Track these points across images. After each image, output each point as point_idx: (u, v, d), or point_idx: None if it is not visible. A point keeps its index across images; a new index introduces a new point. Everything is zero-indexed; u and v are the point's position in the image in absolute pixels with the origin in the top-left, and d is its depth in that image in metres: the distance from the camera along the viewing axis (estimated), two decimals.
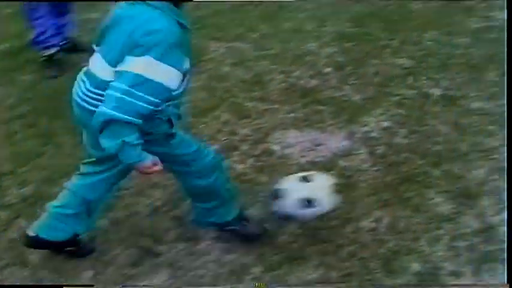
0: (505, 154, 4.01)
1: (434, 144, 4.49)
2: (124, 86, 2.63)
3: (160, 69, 2.63)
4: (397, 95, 5.15)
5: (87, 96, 2.89)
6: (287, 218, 3.71)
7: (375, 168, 4.30)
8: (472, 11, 6.84)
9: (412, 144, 4.52)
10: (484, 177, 4.11)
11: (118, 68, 2.69)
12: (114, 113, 2.63)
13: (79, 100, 2.95)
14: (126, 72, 2.64)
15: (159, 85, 2.66)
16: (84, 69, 3.02)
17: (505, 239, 3.46)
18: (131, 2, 2.78)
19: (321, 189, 3.61)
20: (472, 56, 5.71)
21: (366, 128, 4.73)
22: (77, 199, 3.39)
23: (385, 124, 4.78)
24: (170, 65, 2.65)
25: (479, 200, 3.92)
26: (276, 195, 3.64)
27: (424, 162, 4.30)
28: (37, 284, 3.54)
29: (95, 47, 2.95)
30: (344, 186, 4.02)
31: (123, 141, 2.70)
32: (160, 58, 2.61)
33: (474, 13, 6.80)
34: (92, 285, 3.48)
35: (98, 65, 2.86)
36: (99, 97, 2.78)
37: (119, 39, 2.71)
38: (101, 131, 2.69)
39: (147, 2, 2.72)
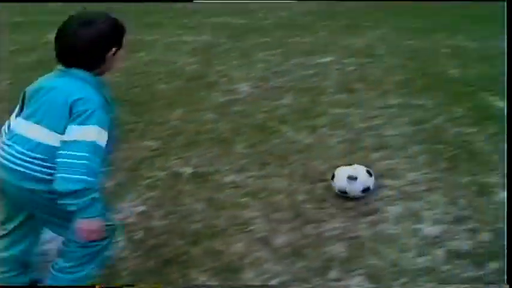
0: (505, 153, 4.04)
1: (191, 223, 4.38)
2: (85, 154, 2.83)
3: (103, 134, 2.90)
4: (149, 177, 5.01)
5: (20, 159, 2.94)
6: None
7: (136, 254, 4.09)
8: (214, 86, 6.98)
9: (170, 225, 4.37)
10: (244, 250, 4.07)
11: (68, 137, 2.85)
12: (86, 178, 2.81)
13: (7, 162, 2.97)
14: (81, 141, 2.84)
15: (103, 147, 2.91)
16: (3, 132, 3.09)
17: (505, 239, 3.39)
18: (58, 72, 3.02)
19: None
20: (219, 130, 5.76)
21: (120, 215, 4.52)
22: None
23: (141, 208, 4.60)
24: (105, 128, 2.91)
25: (243, 273, 3.85)
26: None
27: (183, 242, 4.17)
28: (37, 284, 3.56)
29: (17, 112, 3.08)
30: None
31: (93, 198, 2.86)
32: (101, 124, 2.89)
33: (217, 88, 6.94)
34: (93, 286, 3.42)
35: (27, 129, 2.97)
36: (36, 160, 2.91)
37: (53, 107, 2.91)
38: (66, 194, 2.82)
39: (71, 73, 2.97)
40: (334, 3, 12.77)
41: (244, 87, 7.01)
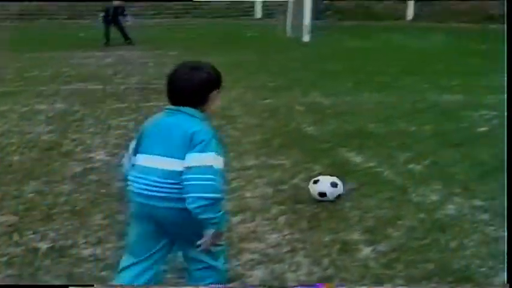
0: (505, 154, 4.08)
1: None
2: (210, 176, 3.36)
3: (219, 159, 3.42)
4: (4, 254, 4.87)
5: (156, 186, 3.47)
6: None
7: None
8: (70, 155, 6.92)
9: None
10: None
11: (190, 163, 3.38)
12: (215, 195, 3.36)
13: (147, 192, 3.49)
14: (203, 166, 3.37)
15: (220, 170, 3.43)
16: (133, 168, 3.60)
17: (505, 239, 3.35)
18: (169, 111, 3.56)
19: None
20: (75, 201, 5.69)
21: None
22: None
23: None
24: (220, 154, 3.44)
25: None
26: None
27: None
28: (38, 284, 3.72)
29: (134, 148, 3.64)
30: None
31: (223, 212, 3.45)
32: (217, 151, 3.41)
33: (73, 157, 6.89)
34: (92, 285, 3.69)
35: (153, 161, 3.52)
36: (169, 184, 3.44)
37: (173, 140, 3.46)
38: (201, 212, 3.35)
39: (182, 110, 3.52)
40: None
41: (100, 156, 6.99)
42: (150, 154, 3.57)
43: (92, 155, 7.01)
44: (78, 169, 6.52)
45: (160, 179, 3.48)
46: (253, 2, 27.11)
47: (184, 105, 3.56)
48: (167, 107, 3.60)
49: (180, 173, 3.43)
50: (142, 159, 3.60)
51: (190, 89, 3.58)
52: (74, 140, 7.63)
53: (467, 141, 7.72)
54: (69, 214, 5.46)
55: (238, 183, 6.14)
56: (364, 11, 30.10)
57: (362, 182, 6.13)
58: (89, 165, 6.62)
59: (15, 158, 6.90)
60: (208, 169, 3.40)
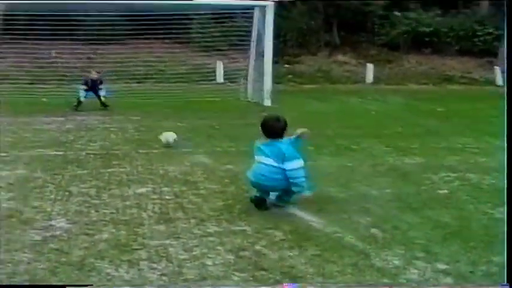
0: (505, 154, 3.91)
1: None
2: (302, 173, 7.33)
3: (303, 163, 7.37)
4: None
5: (272, 172, 7.28)
6: None
7: None
8: (30, 223, 6.84)
9: None
10: None
11: (290, 166, 7.27)
12: (305, 182, 7.38)
13: (267, 174, 7.32)
14: (297, 168, 7.29)
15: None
16: (257, 161, 7.43)
17: (505, 239, 3.28)
18: (268, 141, 7.43)
19: None
20: (35, 270, 5.58)
21: None
22: None
23: None
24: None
25: None
26: None
27: None
28: (38, 284, 3.47)
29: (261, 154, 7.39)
30: None
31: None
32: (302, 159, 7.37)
33: (33, 225, 6.80)
34: (91, 285, 2.77)
35: (268, 161, 7.31)
36: (278, 172, 7.26)
37: (275, 153, 7.29)
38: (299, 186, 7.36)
39: (276, 140, 7.38)
40: (155, 132, 13.05)
41: (61, 223, 6.91)
42: (264, 157, 7.35)
43: (52, 222, 6.92)
44: (38, 237, 6.43)
45: (272, 169, 7.30)
46: (214, 67, 27.37)
47: (276, 137, 7.40)
48: (264, 139, 7.48)
49: (281, 169, 7.26)
50: (260, 159, 7.40)
51: (279, 129, 7.49)
52: (34, 207, 7.52)
53: (428, 204, 7.81)
54: (28, 283, 5.36)
55: (200, 250, 6.11)
56: (324, 75, 30.61)
57: (324, 248, 6.15)
58: (49, 233, 6.53)
59: None
60: (303, 168, 7.35)
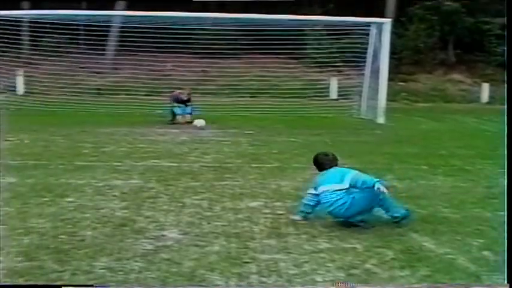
0: (505, 153, 3.84)
1: None
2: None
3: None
4: None
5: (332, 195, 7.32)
6: None
7: None
8: (142, 233, 6.90)
9: None
10: None
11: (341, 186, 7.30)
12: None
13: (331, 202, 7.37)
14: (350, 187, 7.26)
15: None
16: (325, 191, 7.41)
17: (505, 239, 3.20)
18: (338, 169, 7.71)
19: None
20: (145, 280, 5.61)
21: None
22: None
23: None
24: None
25: None
26: None
27: None
28: (38, 284, 2.77)
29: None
30: None
31: None
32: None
33: (145, 234, 6.86)
34: (92, 285, 2.95)
35: (330, 187, 7.35)
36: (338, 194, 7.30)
37: (334, 177, 7.43)
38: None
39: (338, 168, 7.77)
40: (268, 147, 13.06)
41: (173, 234, 6.94)
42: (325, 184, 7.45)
43: (164, 232, 6.96)
44: (150, 247, 6.47)
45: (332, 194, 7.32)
46: (328, 83, 27.27)
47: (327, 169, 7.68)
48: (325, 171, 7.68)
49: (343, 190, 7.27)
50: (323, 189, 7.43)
51: (333, 162, 7.85)
52: (147, 217, 7.61)
53: None
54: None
55: (310, 266, 6.00)
56: (439, 94, 29.98)
57: (436, 269, 5.94)
58: (160, 243, 6.56)
59: (88, 233, 6.90)
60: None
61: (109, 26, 26.62)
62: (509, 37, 4.90)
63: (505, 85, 4.97)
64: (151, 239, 6.74)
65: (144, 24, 22.20)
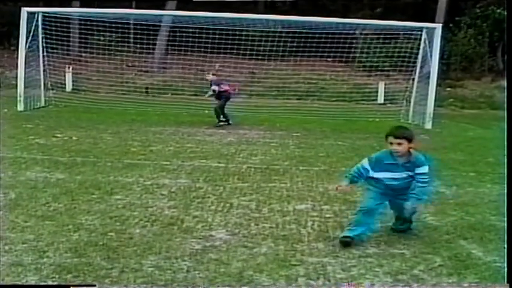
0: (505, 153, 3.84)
1: None
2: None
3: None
4: None
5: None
6: None
7: None
8: (190, 232, 6.91)
9: None
10: None
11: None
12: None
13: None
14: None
15: None
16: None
17: (505, 239, 3.18)
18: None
19: None
20: (194, 279, 5.61)
21: None
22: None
23: None
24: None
25: None
26: None
27: None
28: (38, 284, 2.89)
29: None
30: None
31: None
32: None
33: (193, 234, 6.86)
34: (94, 285, 3.01)
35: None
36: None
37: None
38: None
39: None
40: (315, 149, 12.98)
41: (220, 234, 6.94)
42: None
43: (212, 233, 6.96)
44: (198, 246, 6.47)
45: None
46: (376, 87, 27.08)
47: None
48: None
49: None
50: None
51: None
52: (195, 216, 7.62)
53: None
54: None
55: (358, 270, 5.96)
56: (487, 100, 29.59)
57: (483, 277, 5.86)
58: (208, 243, 6.56)
59: (137, 231, 6.93)
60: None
61: (159, 25, 26.82)
62: (510, 37, 4.91)
63: (505, 85, 4.94)
64: (200, 238, 6.75)
65: (193, 24, 22.32)
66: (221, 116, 18.03)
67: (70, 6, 29.43)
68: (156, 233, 6.89)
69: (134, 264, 5.93)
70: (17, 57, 20.65)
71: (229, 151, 13.07)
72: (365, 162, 6.93)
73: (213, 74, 18.57)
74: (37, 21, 20.60)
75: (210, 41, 23.27)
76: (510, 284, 3.30)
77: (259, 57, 25.97)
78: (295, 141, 15.05)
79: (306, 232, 7.16)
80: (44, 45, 21.45)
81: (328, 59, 26.56)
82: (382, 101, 26.59)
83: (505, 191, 4.48)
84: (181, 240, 6.64)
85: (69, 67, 26.69)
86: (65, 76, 26.29)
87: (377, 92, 27.04)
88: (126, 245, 6.44)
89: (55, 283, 5.09)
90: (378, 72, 26.97)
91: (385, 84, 26.78)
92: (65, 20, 22.92)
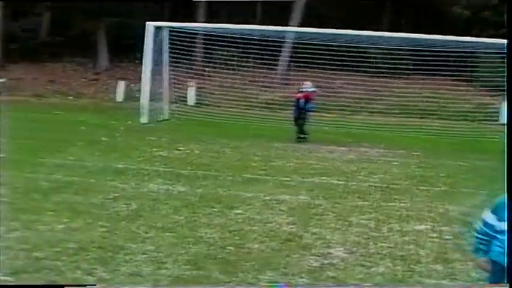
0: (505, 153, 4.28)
1: None
2: None
3: None
4: None
5: None
6: None
7: None
8: (309, 249, 6.89)
9: None
10: None
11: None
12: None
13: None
14: None
15: None
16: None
17: (505, 238, 3.11)
18: None
19: None
20: None
21: None
22: None
23: None
24: None
25: None
26: None
27: None
28: (38, 284, 3.13)
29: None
30: None
31: None
32: None
33: (311, 251, 6.84)
34: (94, 285, 3.22)
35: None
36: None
37: None
38: None
39: None
40: (436, 169, 12.71)
41: (339, 252, 6.88)
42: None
43: (330, 250, 6.92)
44: (316, 264, 6.45)
45: None
46: (498, 107, 26.19)
47: None
48: None
49: None
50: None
51: None
52: (313, 233, 7.62)
53: None
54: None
55: None
56: None
57: None
58: (326, 261, 6.54)
59: (255, 246, 7.00)
60: None
61: (282, 41, 26.99)
62: (510, 37, 4.65)
63: (506, 91, 4.74)
64: (318, 256, 6.73)
65: (316, 41, 22.32)
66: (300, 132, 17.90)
67: (195, 20, 30.09)
68: (275, 248, 6.93)
69: (251, 279, 5.99)
70: (141, 71, 21.33)
71: (349, 168, 12.98)
72: (488, 218, 4.81)
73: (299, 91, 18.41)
74: (162, 35, 21.21)
75: (332, 57, 23.19)
76: (510, 284, 3.18)
77: (381, 74, 25.65)
78: (415, 160, 14.76)
79: (424, 253, 7.04)
80: (169, 59, 22.04)
81: (451, 78, 25.92)
82: (504, 121, 25.64)
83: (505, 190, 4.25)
84: (299, 257, 6.66)
85: (191, 81, 27.24)
86: (186, 90, 26.87)
87: (499, 111, 26.12)
88: (245, 259, 6.51)
89: None
90: (500, 92, 26.05)
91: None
92: (189, 35, 23.45)
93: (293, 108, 18.20)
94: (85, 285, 3.52)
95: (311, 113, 18.16)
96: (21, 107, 24.52)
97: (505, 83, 4.74)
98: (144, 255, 6.49)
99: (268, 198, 9.53)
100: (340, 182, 11.21)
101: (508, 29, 4.87)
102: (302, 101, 17.66)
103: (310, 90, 17.91)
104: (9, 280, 5.42)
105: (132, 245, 6.81)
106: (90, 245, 6.67)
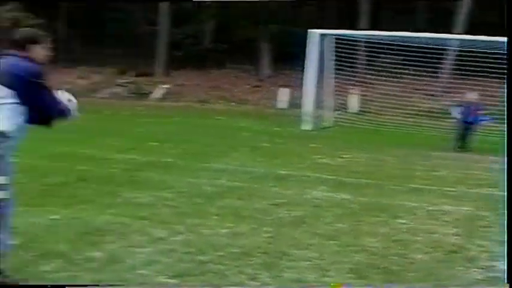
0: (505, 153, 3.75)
1: None
2: None
3: None
4: None
5: None
6: None
7: None
8: (474, 262, 6.78)
9: None
10: None
11: None
12: None
13: None
14: None
15: None
16: None
17: (505, 238, 3.13)
18: None
19: None
20: None
21: None
22: None
23: None
24: None
25: None
26: None
27: None
28: (37, 284, 3.78)
29: None
30: None
31: None
32: None
33: (475, 264, 6.74)
34: (97, 285, 3.52)
35: None
36: None
37: None
38: None
39: None
40: None
41: (502, 266, 6.69)
42: None
43: (494, 263, 6.74)
44: (479, 277, 6.34)
45: None
46: None
47: None
48: None
49: None
50: None
51: None
52: (479, 245, 7.45)
53: None
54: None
55: None
56: None
57: None
58: (491, 274, 6.39)
59: (419, 256, 6.95)
60: None
61: (444, 49, 26.43)
62: (510, 37, 4.34)
63: (506, 91, 4.38)
64: (482, 268, 6.59)
65: (482, 48, 21.67)
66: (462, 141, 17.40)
67: (358, 28, 30.09)
68: (439, 259, 6.86)
69: None
70: (304, 78, 21.61)
71: None
72: None
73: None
74: (325, 43, 21.41)
75: (498, 66, 22.41)
76: (510, 284, 2.99)
77: None
78: None
79: None
80: (333, 66, 22.21)
81: None
82: None
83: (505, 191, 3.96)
84: (464, 270, 6.54)
85: (354, 88, 27.26)
86: (347, 97, 26.90)
87: None
88: (408, 269, 6.50)
89: None
90: None
91: None
92: (352, 42, 23.52)
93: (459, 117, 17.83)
94: (86, 286, 3.66)
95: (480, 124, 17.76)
96: (185, 113, 25.55)
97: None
98: (308, 262, 6.61)
99: (432, 208, 9.41)
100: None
101: (508, 28, 4.66)
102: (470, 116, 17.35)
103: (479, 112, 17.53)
104: (172, 283, 5.69)
105: (295, 252, 6.94)
106: (255, 250, 6.88)
